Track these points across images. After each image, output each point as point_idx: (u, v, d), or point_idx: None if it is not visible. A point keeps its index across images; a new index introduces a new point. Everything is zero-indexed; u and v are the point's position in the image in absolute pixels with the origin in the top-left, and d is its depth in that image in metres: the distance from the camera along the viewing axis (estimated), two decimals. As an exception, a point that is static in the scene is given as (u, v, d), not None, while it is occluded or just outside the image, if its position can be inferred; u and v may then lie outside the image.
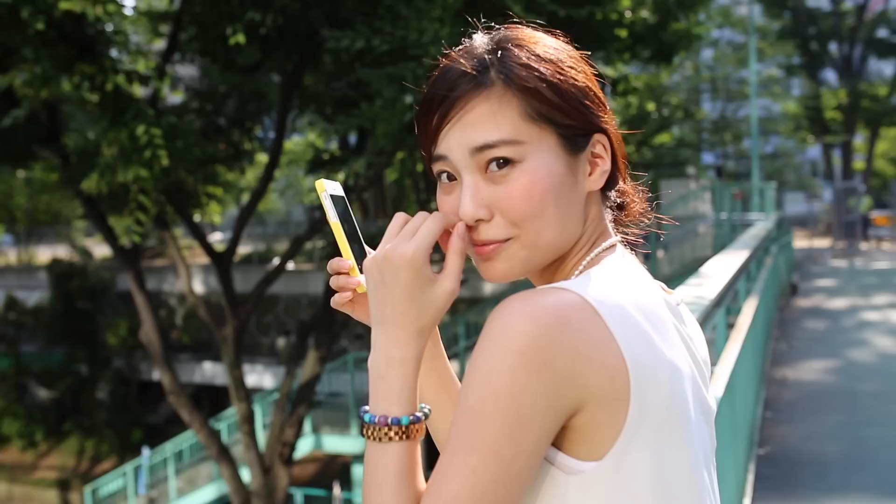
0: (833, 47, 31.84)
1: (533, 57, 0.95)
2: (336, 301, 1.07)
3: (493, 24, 1.03)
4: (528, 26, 1.02)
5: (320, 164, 12.29)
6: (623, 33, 9.10)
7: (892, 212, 27.94)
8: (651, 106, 22.45)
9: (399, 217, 0.98)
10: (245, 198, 25.63)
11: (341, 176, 11.21)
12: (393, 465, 0.89)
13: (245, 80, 10.55)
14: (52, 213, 28.49)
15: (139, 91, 9.58)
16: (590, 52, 1.05)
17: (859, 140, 34.32)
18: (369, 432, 0.90)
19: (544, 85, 0.94)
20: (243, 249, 26.31)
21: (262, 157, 15.81)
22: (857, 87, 30.10)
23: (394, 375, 0.92)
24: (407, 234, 0.94)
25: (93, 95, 7.81)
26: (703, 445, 0.95)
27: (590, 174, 0.99)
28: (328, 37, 7.70)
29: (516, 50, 0.96)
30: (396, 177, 19.91)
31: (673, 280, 13.28)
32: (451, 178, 0.98)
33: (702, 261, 12.96)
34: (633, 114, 22.04)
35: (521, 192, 0.93)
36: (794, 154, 38.33)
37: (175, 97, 13.31)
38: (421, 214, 0.97)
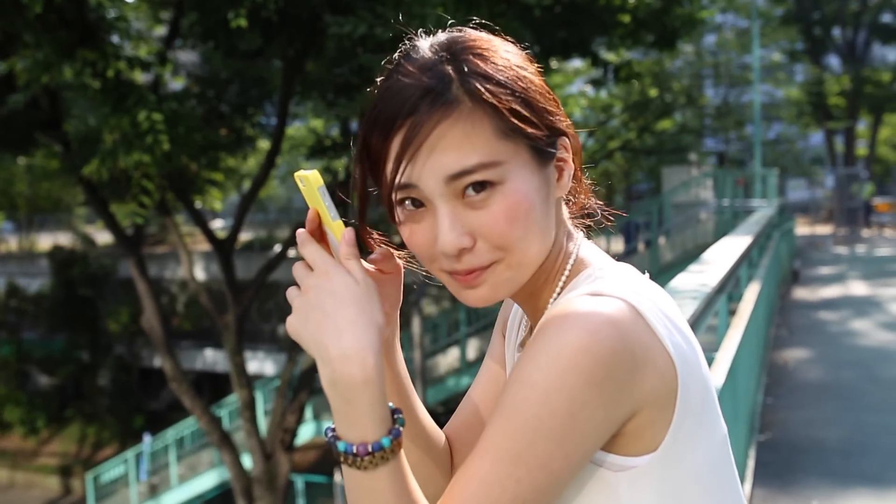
0: (837, 32, 31.75)
1: (494, 66, 0.89)
2: None
3: (426, 27, 0.96)
4: (468, 27, 0.95)
5: (322, 151, 12.28)
6: (626, 18, 9.05)
7: (894, 198, 27.93)
8: (653, 92, 22.36)
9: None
10: (246, 184, 25.64)
11: (341, 162, 11.20)
12: (386, 489, 0.83)
13: (247, 66, 10.52)
14: (53, 200, 28.49)
15: (139, 77, 9.54)
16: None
17: (862, 126, 34.24)
18: (349, 461, 0.82)
19: (513, 99, 0.88)
20: (244, 236, 26.33)
21: (263, 144, 15.79)
22: (860, 73, 30.00)
23: (359, 397, 0.82)
24: (301, 278, 0.88)
25: (94, 82, 7.78)
26: (722, 420, 0.98)
27: (558, 180, 0.96)
28: (330, 22, 7.66)
29: (474, 59, 0.89)
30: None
31: (675, 266, 13.29)
32: (417, 203, 0.90)
33: (703, 247, 12.95)
34: (635, 99, 21.97)
35: (506, 215, 0.88)
36: (796, 140, 38.26)
37: (176, 83, 13.28)
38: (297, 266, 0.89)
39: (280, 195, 35.41)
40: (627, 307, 0.85)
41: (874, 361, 8.06)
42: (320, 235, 0.92)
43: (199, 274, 19.99)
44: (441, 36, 0.93)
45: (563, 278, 0.98)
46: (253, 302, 13.13)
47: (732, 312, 5.18)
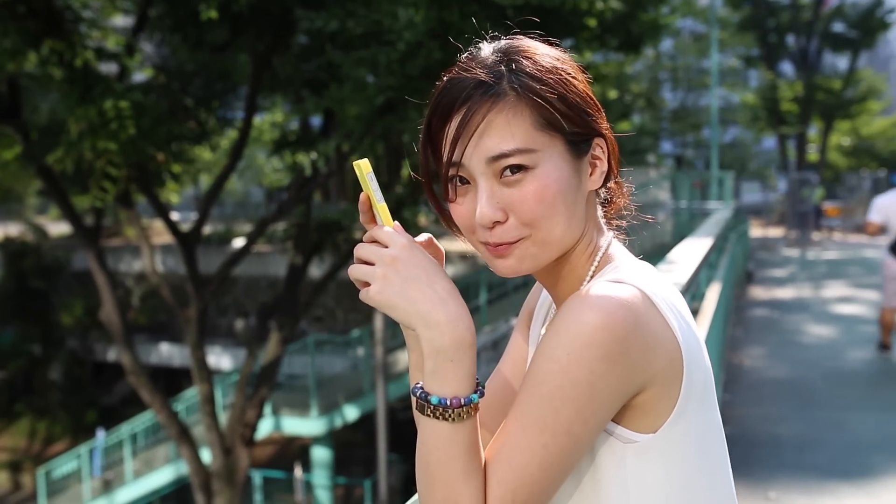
0: (790, 40, 32.42)
1: (541, 68, 1.02)
2: None
3: (496, 33, 1.09)
4: (529, 37, 1.08)
5: (286, 145, 12.24)
6: (592, 22, 9.22)
7: (844, 203, 28.67)
8: (613, 93, 22.66)
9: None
10: (204, 178, 25.35)
11: (306, 156, 11.16)
12: (464, 440, 0.94)
13: (213, 60, 10.45)
14: (3, 190, 27.77)
15: (98, 67, 9.41)
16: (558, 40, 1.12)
17: (813, 132, 35.06)
18: (438, 413, 0.94)
19: (554, 96, 1.01)
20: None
21: (222, 138, 15.63)
22: (812, 80, 30.70)
23: (465, 357, 0.95)
24: (378, 253, 0.98)
25: (59, 71, 7.68)
26: (717, 407, 1.10)
27: (591, 175, 1.07)
28: (302, 17, 7.68)
29: (525, 61, 1.02)
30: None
31: (633, 266, 13.48)
32: (463, 181, 1.03)
33: (661, 248, 13.19)
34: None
35: (535, 195, 1.00)
36: (751, 144, 38.98)
37: (138, 75, 13.12)
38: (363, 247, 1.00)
39: (237, 189, 35.02)
40: (641, 294, 0.97)
41: (825, 359, 8.33)
42: (370, 217, 1.05)
43: (157, 267, 19.73)
44: (502, 41, 1.07)
45: (592, 269, 1.09)
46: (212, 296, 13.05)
47: (693, 312, 5.34)
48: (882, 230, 7.85)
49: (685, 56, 32.35)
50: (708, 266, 6.60)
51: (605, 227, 1.13)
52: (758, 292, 13.55)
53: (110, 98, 7.54)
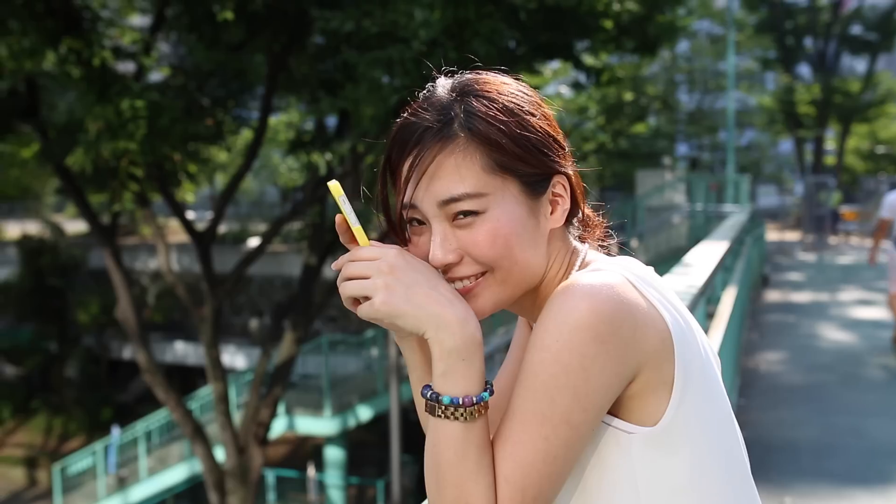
0: (808, 42, 32.18)
1: (494, 110, 1.00)
2: None
3: (454, 68, 1.08)
4: (489, 70, 1.07)
5: (300, 145, 12.28)
6: (609, 24, 9.17)
7: (861, 207, 28.42)
8: (629, 95, 22.59)
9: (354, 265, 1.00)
10: (219, 177, 25.45)
11: (320, 157, 11.18)
12: (476, 439, 0.94)
13: (229, 59, 10.49)
14: (22, 188, 28.01)
15: (115, 66, 9.47)
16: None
17: (831, 135, 34.77)
18: (449, 413, 0.93)
19: (506, 139, 0.99)
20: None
21: (237, 138, 15.70)
22: (830, 83, 30.46)
23: (476, 356, 0.96)
24: (373, 265, 0.97)
25: (76, 70, 7.74)
26: (725, 393, 1.08)
27: (551, 213, 1.05)
28: (318, 17, 7.69)
29: (476, 103, 1.01)
30: (373, 160, 19.86)
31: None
32: (420, 221, 1.03)
33: (676, 250, 13.14)
34: (611, 103, 22.18)
35: (486, 238, 0.99)
36: (767, 147, 38.74)
37: (155, 74, 13.19)
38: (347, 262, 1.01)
39: (252, 189, 35.19)
40: (622, 277, 0.98)
41: (842, 365, 8.26)
42: (351, 237, 1.03)
43: (172, 266, 19.82)
44: (461, 77, 1.06)
45: None
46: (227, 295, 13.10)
47: (709, 316, 5.30)
48: (888, 225, 8.50)
49: (702, 58, 32.16)
50: (724, 269, 6.57)
51: (579, 246, 1.11)
52: (774, 296, 13.46)
53: (127, 97, 7.59)
